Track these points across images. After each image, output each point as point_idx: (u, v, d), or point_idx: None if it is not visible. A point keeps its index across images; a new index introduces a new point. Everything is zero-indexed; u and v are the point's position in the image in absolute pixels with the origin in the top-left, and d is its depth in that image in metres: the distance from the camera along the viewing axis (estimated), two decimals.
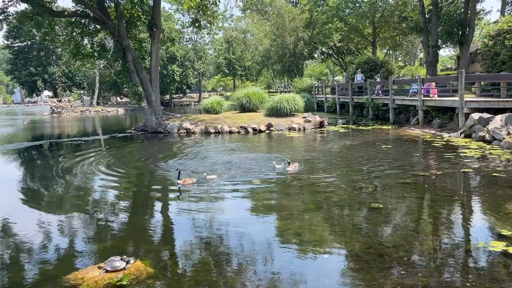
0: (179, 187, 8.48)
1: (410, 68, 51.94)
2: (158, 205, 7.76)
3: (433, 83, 18.22)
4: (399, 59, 66.69)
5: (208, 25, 25.17)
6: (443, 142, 13.27)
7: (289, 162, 9.99)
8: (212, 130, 19.18)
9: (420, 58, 51.65)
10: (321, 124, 19.85)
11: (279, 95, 23.22)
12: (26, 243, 5.76)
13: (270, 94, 31.62)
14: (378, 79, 25.85)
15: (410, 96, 19.41)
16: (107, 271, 4.41)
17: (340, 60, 49.51)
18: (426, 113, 17.73)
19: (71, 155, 13.91)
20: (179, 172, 8.95)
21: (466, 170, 9.17)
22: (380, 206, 6.68)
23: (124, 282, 4.26)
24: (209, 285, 4.29)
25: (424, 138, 14.66)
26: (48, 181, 9.80)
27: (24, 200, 8.43)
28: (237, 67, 70.90)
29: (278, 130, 18.87)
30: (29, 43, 62.30)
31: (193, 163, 11.28)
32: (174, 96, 71.42)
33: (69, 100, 52.22)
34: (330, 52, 49.77)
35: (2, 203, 8.20)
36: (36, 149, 16.51)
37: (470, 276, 4.25)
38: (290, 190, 8.11)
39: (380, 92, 23.46)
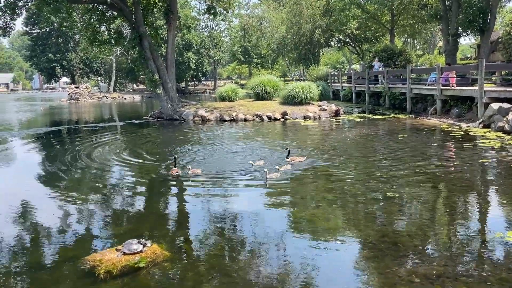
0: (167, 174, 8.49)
1: (428, 56, 50.95)
2: (173, 191, 7.86)
3: (454, 72, 17.86)
4: (418, 47, 65.45)
5: (224, 12, 25.02)
6: (461, 132, 13.07)
7: (289, 151, 9.35)
8: (227, 118, 19.23)
9: (439, 47, 50.62)
10: (336, 113, 19.71)
11: (295, 83, 23.08)
12: (45, 226, 5.91)
13: (286, 82, 31.46)
14: (377, 66, 25.43)
15: (428, 85, 19.10)
16: (124, 254, 4.51)
17: (357, 48, 48.84)
18: (444, 103, 17.44)
19: (89, 141, 14.13)
20: (175, 159, 8.99)
21: (484, 160, 9.04)
22: (396, 195, 6.65)
23: (142, 265, 4.36)
24: (223, 270, 4.35)
25: (442, 128, 14.46)
26: (66, 166, 9.98)
27: (43, 184, 8.63)
28: (253, 54, 70.55)
29: (293, 119, 18.81)
30: (47, 30, 62.97)
31: (201, 151, 11.38)
32: (190, 83, 71.58)
33: (86, 87, 52.91)
34: (347, 40, 49.10)
35: (21, 187, 8.43)
36: (54, 134, 16.81)
37: (485, 266, 4.22)
38: (304, 178, 8.11)
39: (383, 81, 23.24)
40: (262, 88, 22.14)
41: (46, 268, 4.56)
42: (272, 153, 10.47)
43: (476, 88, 14.54)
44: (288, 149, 9.54)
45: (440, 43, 48.20)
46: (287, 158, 9.23)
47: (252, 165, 8.78)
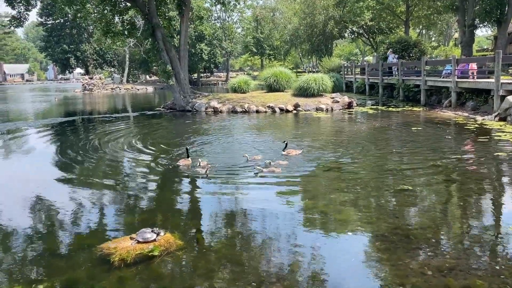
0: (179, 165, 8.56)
1: (444, 48, 50.07)
2: (185, 181, 7.90)
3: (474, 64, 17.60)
4: (433, 39, 64.40)
5: (235, 3, 24.91)
6: (476, 125, 12.89)
7: (286, 144, 9.26)
8: (239, 109, 19.24)
9: (455, 38, 49.74)
10: (349, 105, 19.58)
11: (307, 75, 22.95)
12: (60, 214, 6.01)
13: (298, 74, 31.29)
14: (391, 58, 25.18)
15: (443, 77, 18.83)
16: (138, 242, 4.58)
17: (371, 39, 48.25)
18: (459, 95, 17.18)
19: (102, 131, 14.28)
20: (187, 150, 9.05)
21: (499, 153, 8.92)
22: (409, 187, 6.61)
23: (155, 253, 4.42)
24: (235, 259, 4.40)
25: (457, 120, 14.27)
26: (80, 155, 10.11)
27: (58, 173, 8.73)
28: (265, 46, 70.16)
29: (305, 111, 18.74)
30: (62, 21, 63.57)
31: (212, 143, 11.43)
32: (202, 75, 71.63)
33: (100, 78, 53.42)
34: (361, 32, 48.51)
35: (36, 177, 8.56)
36: (68, 125, 17.02)
37: (499, 259, 4.19)
38: (316, 171, 8.10)
39: (396, 73, 23.04)
40: (275, 80, 22.07)
41: (62, 255, 4.65)
42: (282, 145, 10.42)
43: (493, 80, 14.30)
44: (285, 142, 9.50)
45: (456, 35, 47.33)
46: (283, 151, 9.21)
47: (248, 159, 8.72)
